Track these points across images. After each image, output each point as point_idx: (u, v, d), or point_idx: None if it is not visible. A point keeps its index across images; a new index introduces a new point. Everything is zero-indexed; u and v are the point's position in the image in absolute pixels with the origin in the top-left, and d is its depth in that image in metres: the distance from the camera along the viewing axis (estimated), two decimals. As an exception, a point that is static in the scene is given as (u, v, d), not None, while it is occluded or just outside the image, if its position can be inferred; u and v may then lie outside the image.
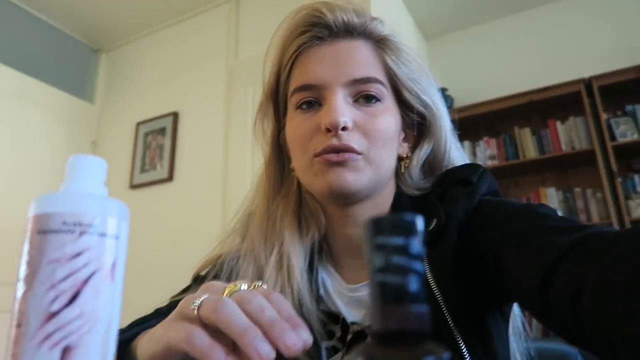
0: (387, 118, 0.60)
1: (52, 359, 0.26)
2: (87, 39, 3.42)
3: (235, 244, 0.67)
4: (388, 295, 0.21)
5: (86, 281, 0.28)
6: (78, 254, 0.28)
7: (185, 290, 0.66)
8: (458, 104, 3.08)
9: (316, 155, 0.57)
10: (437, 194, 0.60)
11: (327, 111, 0.56)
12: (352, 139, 0.56)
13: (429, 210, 0.57)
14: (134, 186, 2.97)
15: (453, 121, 0.69)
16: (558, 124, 2.79)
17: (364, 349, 0.22)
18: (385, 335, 0.21)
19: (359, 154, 0.56)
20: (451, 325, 0.51)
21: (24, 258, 0.28)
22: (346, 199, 0.59)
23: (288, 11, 0.65)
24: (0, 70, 2.79)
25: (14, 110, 2.81)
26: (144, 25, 3.29)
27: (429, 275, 0.53)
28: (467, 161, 0.67)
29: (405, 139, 0.65)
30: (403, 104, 0.63)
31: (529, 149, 2.83)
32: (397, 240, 0.22)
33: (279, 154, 0.68)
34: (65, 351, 0.27)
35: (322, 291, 0.63)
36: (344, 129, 0.56)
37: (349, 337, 0.58)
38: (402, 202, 0.63)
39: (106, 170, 0.32)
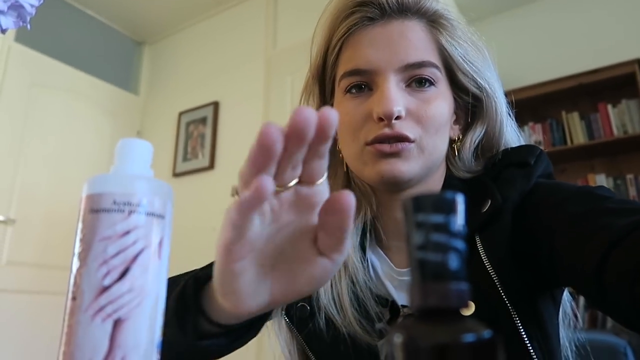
0: (441, 103, 0.58)
1: (104, 330, 0.28)
2: (131, 33, 3.52)
3: None
4: (428, 272, 0.21)
5: (135, 258, 0.29)
6: (127, 232, 0.29)
7: None
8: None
9: (367, 144, 0.56)
10: (492, 175, 0.59)
11: (380, 100, 0.54)
12: (406, 127, 0.55)
13: (481, 191, 0.56)
14: (176, 174, 3.06)
15: (510, 102, 0.67)
16: (609, 107, 2.66)
17: (403, 326, 0.22)
18: (425, 312, 0.21)
19: (412, 142, 0.55)
20: (508, 305, 0.50)
21: (78, 236, 0.30)
22: (397, 187, 0.58)
23: (324, 1, 0.63)
24: (52, 65, 2.92)
25: (63, 103, 2.95)
26: (185, 18, 3.36)
27: (484, 256, 0.52)
28: (523, 142, 0.65)
29: (456, 121, 0.64)
30: (456, 86, 0.61)
31: (578, 134, 2.72)
32: (437, 218, 0.22)
33: None
34: (117, 323, 0.28)
35: (372, 272, 0.62)
36: (397, 118, 0.54)
37: (400, 320, 0.57)
38: (453, 184, 0.62)
39: (152, 153, 0.33)
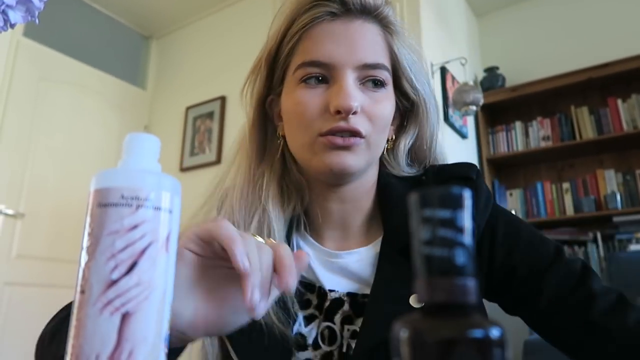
0: (389, 104, 0.61)
1: (113, 324, 0.28)
2: (139, 27, 3.53)
3: (211, 216, 0.67)
4: (434, 267, 0.21)
5: (143, 252, 0.30)
6: (135, 226, 0.30)
7: None
8: (510, 82, 2.96)
9: (321, 135, 0.57)
10: (434, 183, 0.63)
11: (339, 94, 0.56)
12: (359, 123, 0.57)
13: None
14: (184, 169, 3.07)
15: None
16: (619, 102, 2.63)
17: (409, 320, 0.22)
18: (431, 307, 0.21)
19: (363, 137, 0.58)
20: None
21: (86, 229, 0.30)
22: (342, 179, 0.61)
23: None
24: (60, 59, 2.94)
25: (71, 97, 2.96)
26: (192, 12, 3.36)
27: None
28: (450, 160, 0.70)
29: (392, 122, 0.66)
30: (399, 91, 0.65)
31: (587, 129, 2.69)
32: (444, 213, 0.22)
33: (264, 120, 0.68)
34: (125, 317, 0.29)
35: None
36: (353, 113, 0.57)
37: (327, 304, 0.60)
38: (390, 181, 0.65)
39: (160, 148, 0.33)
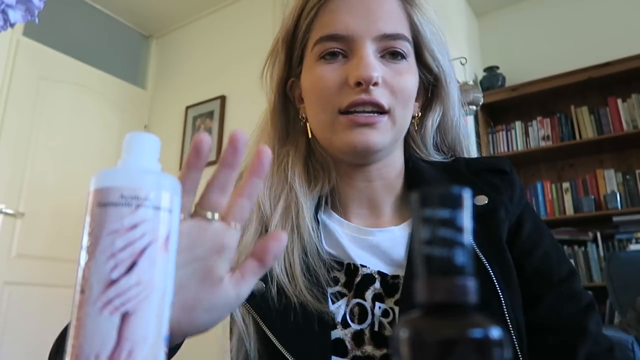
0: (411, 76, 0.59)
1: (112, 323, 0.28)
2: (139, 26, 3.53)
3: None
4: (434, 267, 0.21)
5: (142, 251, 0.30)
6: (135, 226, 0.30)
7: None
8: (510, 82, 2.96)
9: (342, 112, 0.56)
10: (468, 171, 0.62)
11: (359, 64, 0.54)
12: (381, 95, 0.55)
13: (463, 183, 0.59)
14: (184, 168, 3.07)
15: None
16: (619, 101, 2.63)
17: (409, 320, 0.22)
18: (431, 307, 0.21)
19: (386, 112, 0.56)
20: (502, 298, 0.53)
21: (86, 229, 0.30)
22: (367, 158, 0.59)
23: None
24: (60, 59, 2.94)
25: (71, 97, 2.96)
26: (192, 11, 3.36)
27: (478, 250, 0.54)
28: (470, 136, 0.69)
29: (416, 99, 0.64)
30: (421, 64, 0.63)
31: (587, 129, 2.70)
32: (444, 213, 0.22)
33: (285, 103, 0.66)
34: (125, 316, 0.29)
35: (324, 241, 0.62)
36: (374, 84, 0.54)
37: (358, 279, 0.58)
38: (420, 164, 0.64)
39: (160, 147, 0.33)
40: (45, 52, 2.88)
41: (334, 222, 0.63)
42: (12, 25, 0.50)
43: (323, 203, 0.63)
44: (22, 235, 2.60)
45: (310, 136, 0.64)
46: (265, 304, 0.55)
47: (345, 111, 0.56)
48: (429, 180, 0.61)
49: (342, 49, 0.57)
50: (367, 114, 0.55)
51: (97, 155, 2.99)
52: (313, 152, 0.64)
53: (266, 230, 0.59)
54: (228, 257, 0.38)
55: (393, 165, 0.63)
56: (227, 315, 0.40)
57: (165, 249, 0.31)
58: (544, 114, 2.87)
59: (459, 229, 0.22)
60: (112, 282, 0.29)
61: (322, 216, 0.63)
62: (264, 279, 0.56)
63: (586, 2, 2.94)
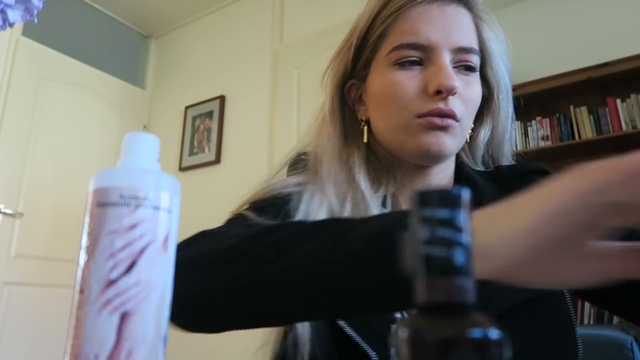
0: (478, 89, 0.62)
1: (112, 323, 0.28)
2: (138, 26, 3.52)
3: (294, 181, 0.63)
4: (433, 267, 0.21)
5: (142, 251, 0.30)
6: (134, 226, 0.30)
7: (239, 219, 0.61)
8: (509, 82, 2.96)
9: (419, 116, 0.58)
10: (514, 177, 0.64)
11: (440, 74, 0.57)
12: (456, 105, 0.58)
13: (515, 189, 0.60)
14: (183, 168, 3.07)
15: (516, 99, 0.72)
16: (618, 102, 2.64)
17: (408, 321, 0.22)
18: (431, 307, 0.21)
19: (458, 120, 0.58)
20: (567, 297, 0.58)
21: (85, 229, 0.30)
22: (436, 160, 0.61)
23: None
24: (59, 58, 2.94)
25: (70, 97, 2.96)
26: (191, 11, 3.36)
27: None
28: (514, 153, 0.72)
29: None
30: (482, 78, 0.65)
31: (586, 129, 2.69)
32: (443, 213, 0.22)
33: (342, 103, 0.68)
34: (124, 316, 0.29)
35: None
36: (453, 94, 0.57)
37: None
38: (469, 172, 0.66)
39: (159, 147, 0.33)
40: (45, 52, 2.88)
41: None
42: (11, 25, 0.50)
43: (383, 206, 0.64)
44: (21, 235, 2.60)
45: (365, 139, 0.65)
46: None
47: (422, 116, 0.58)
48: (481, 189, 0.63)
49: (419, 57, 0.59)
50: (442, 118, 0.57)
51: (96, 155, 2.98)
52: (373, 154, 0.66)
53: None
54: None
55: (447, 172, 0.66)
56: None
57: (164, 249, 0.31)
58: (543, 114, 2.87)
59: (459, 229, 0.22)
60: (112, 282, 0.29)
61: None
62: None
63: (585, 2, 2.95)
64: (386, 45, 0.61)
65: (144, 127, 3.39)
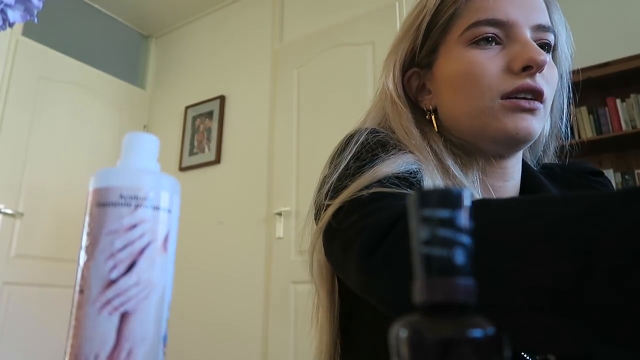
0: (556, 71, 0.59)
1: (112, 323, 0.28)
2: (138, 26, 3.52)
3: (407, 159, 0.55)
4: (433, 267, 0.21)
5: (142, 251, 0.30)
6: (134, 226, 0.30)
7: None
8: (509, 82, 2.96)
9: (504, 97, 0.54)
10: (571, 174, 0.64)
11: (527, 49, 0.53)
12: (543, 83, 0.54)
13: (577, 187, 0.61)
14: (183, 168, 3.07)
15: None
16: (618, 102, 2.64)
17: (408, 321, 0.22)
18: (431, 307, 0.21)
19: (542, 102, 0.55)
20: None
21: (85, 229, 0.30)
22: (521, 145, 0.57)
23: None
24: (59, 58, 2.94)
25: (71, 97, 2.96)
26: (191, 11, 3.36)
27: None
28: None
29: None
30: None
31: (585, 129, 2.70)
32: (443, 213, 0.22)
33: (404, 92, 0.63)
34: (124, 316, 0.29)
35: None
36: (541, 70, 0.54)
37: None
38: (531, 170, 0.64)
39: (159, 147, 0.33)
40: (45, 52, 2.88)
41: None
42: (11, 25, 0.50)
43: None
44: (21, 235, 2.60)
45: (436, 129, 0.61)
46: None
47: (507, 97, 0.54)
48: (547, 187, 0.60)
49: (497, 35, 0.56)
50: (529, 100, 0.54)
51: (96, 155, 2.99)
52: (451, 143, 0.60)
53: None
54: None
55: (519, 166, 0.62)
56: None
57: (164, 248, 0.31)
58: (543, 114, 2.87)
59: (459, 229, 0.21)
60: (112, 282, 0.29)
61: None
62: None
63: (585, 2, 2.95)
64: (459, 24, 0.57)
65: (144, 127, 3.39)
